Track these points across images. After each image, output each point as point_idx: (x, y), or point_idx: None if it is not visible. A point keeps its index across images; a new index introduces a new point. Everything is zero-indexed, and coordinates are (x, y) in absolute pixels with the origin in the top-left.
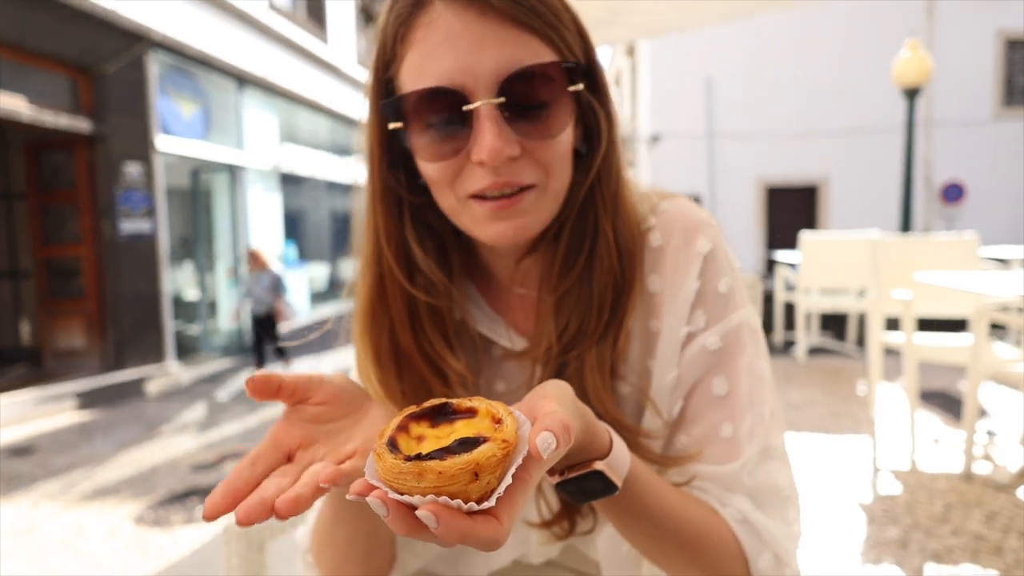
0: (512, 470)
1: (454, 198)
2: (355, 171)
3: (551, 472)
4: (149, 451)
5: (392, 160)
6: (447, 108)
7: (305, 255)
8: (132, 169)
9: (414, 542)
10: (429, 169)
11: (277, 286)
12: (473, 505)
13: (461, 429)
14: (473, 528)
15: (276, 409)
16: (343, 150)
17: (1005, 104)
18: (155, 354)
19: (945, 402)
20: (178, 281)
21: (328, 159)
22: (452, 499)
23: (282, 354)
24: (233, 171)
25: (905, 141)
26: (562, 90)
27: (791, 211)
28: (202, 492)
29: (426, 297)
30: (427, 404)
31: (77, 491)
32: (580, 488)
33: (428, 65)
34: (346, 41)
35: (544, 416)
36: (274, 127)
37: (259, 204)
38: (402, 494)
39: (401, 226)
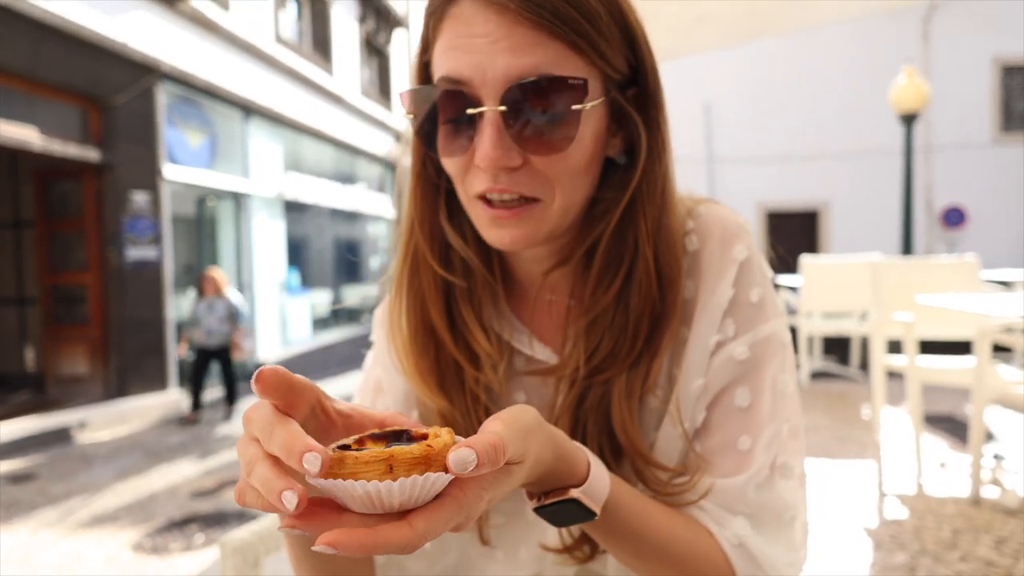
0: (434, 477)
1: (464, 194)
2: (359, 198)
3: (529, 496)
4: (148, 478)
5: (432, 144)
6: (457, 107)
7: (308, 282)
8: (139, 197)
9: (400, 559)
10: (443, 162)
11: (234, 315)
12: (395, 485)
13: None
14: (376, 538)
15: None
16: (347, 178)
17: (1003, 129)
18: (158, 381)
19: (951, 426)
20: (182, 307)
21: (332, 187)
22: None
23: (231, 398)
24: (238, 199)
25: (904, 166)
26: (574, 104)
27: (792, 235)
28: (201, 519)
29: (461, 281)
30: (388, 428)
31: (75, 518)
32: (557, 514)
33: (447, 59)
34: (350, 72)
35: (476, 436)
36: (279, 156)
37: (263, 231)
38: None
39: (436, 209)
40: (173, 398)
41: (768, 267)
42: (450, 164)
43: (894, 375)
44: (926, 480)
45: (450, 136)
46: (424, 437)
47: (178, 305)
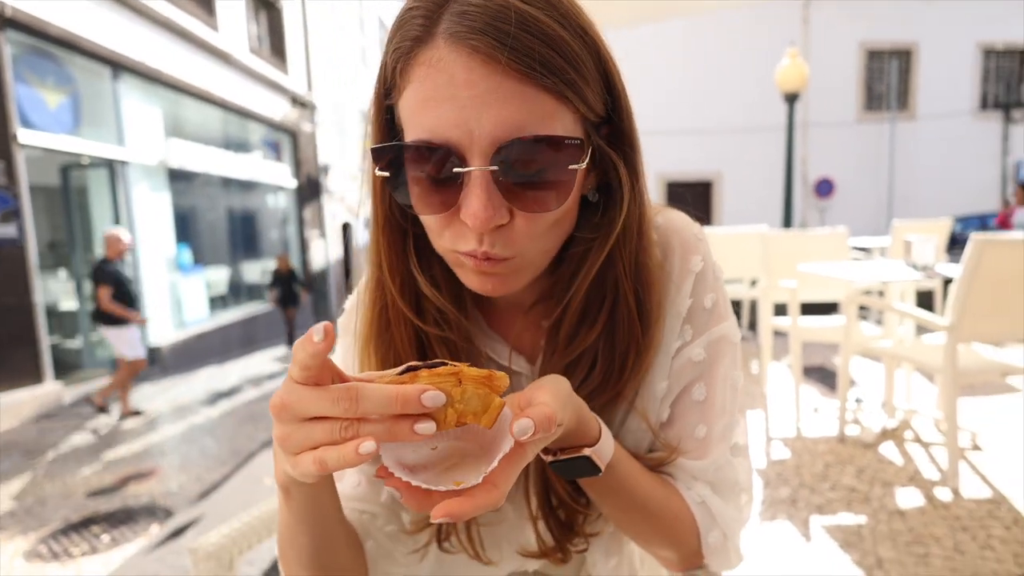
0: (506, 446)
1: (441, 245)
2: (254, 166)
3: (546, 452)
4: (34, 480)
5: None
6: (438, 163)
7: (201, 259)
8: None
9: (395, 553)
10: (421, 216)
11: None
12: (491, 460)
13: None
14: (475, 502)
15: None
16: (239, 145)
17: (866, 108)
18: (30, 373)
19: (822, 375)
20: (52, 291)
21: (222, 154)
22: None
23: None
24: (113, 167)
25: (787, 142)
26: (571, 164)
27: (689, 204)
28: (104, 519)
29: (436, 331)
30: (432, 361)
31: None
32: (569, 468)
33: (425, 111)
34: (237, 27)
35: (532, 406)
36: (158, 119)
37: (146, 204)
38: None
39: (406, 257)
40: (50, 390)
41: (719, 270)
42: (429, 219)
43: (777, 333)
44: (803, 424)
45: (429, 191)
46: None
47: (47, 288)
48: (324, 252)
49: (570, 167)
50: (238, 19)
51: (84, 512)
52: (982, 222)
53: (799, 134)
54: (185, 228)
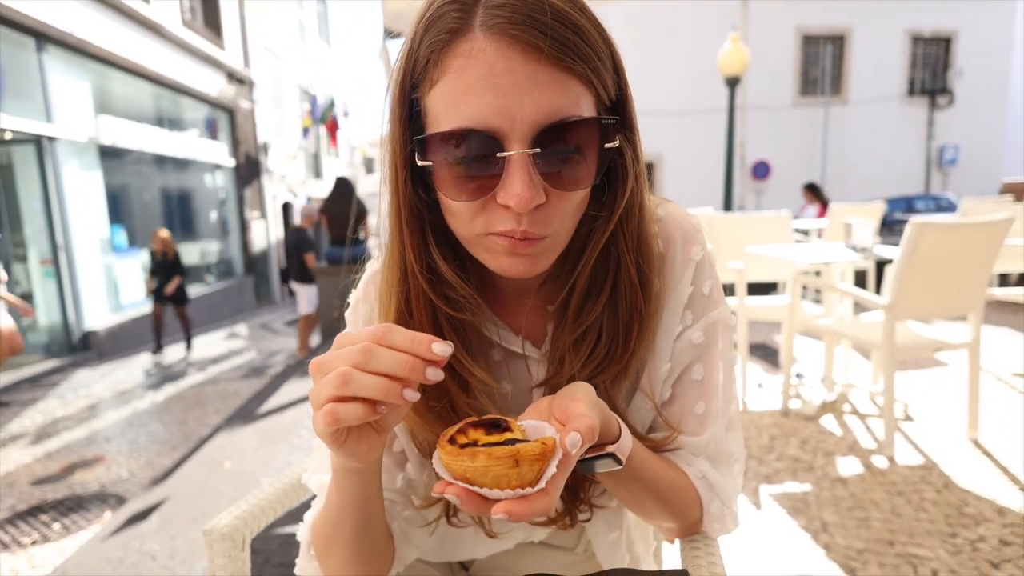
0: (556, 460)
1: (471, 231)
2: (189, 144)
3: None
4: None
5: (414, 178)
6: (479, 150)
7: (136, 240)
8: None
9: (411, 534)
10: (451, 204)
11: None
12: (530, 490)
13: (508, 437)
14: (532, 506)
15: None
16: (173, 121)
17: (801, 93)
18: None
19: (764, 352)
20: None
21: (156, 131)
22: (498, 479)
23: None
24: (40, 144)
25: (727, 125)
26: (596, 142)
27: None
28: (53, 507)
29: (453, 311)
30: (485, 416)
31: None
32: (595, 465)
33: (464, 100)
34: None
35: (574, 419)
36: (87, 94)
37: (76, 183)
38: (460, 479)
39: (426, 244)
40: None
41: (713, 258)
42: (462, 206)
43: None
44: (749, 398)
45: (467, 178)
46: (509, 427)
47: None
48: (265, 233)
49: (605, 145)
50: None
51: (30, 501)
52: (908, 204)
53: (738, 117)
54: (118, 208)
